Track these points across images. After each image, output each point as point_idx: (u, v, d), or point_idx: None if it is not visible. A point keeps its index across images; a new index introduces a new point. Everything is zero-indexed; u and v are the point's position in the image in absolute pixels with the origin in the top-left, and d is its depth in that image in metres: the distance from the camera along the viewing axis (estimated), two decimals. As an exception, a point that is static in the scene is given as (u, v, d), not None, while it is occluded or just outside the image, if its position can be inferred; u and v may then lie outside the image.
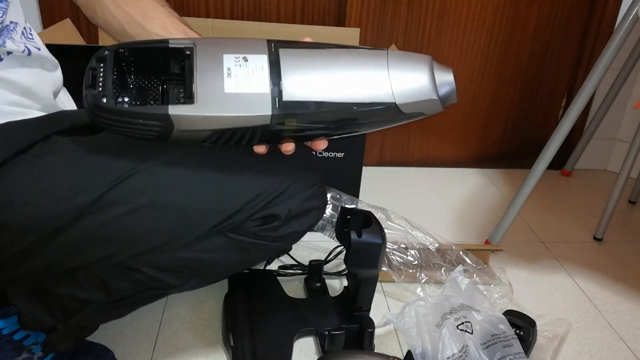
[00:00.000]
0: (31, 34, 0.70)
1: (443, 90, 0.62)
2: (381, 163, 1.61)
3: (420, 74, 0.61)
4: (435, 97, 0.61)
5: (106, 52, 0.57)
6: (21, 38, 0.67)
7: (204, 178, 0.65)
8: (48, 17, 1.32)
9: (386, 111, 0.61)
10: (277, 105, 0.57)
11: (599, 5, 1.47)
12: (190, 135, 0.57)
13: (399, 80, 0.60)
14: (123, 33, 0.70)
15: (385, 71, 0.60)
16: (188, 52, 0.58)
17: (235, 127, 0.57)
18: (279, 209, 0.67)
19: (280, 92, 0.57)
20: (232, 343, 0.83)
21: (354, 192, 1.26)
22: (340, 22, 1.41)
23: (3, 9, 0.63)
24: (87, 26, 1.31)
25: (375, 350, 0.88)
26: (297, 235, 0.72)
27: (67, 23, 1.24)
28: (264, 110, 0.56)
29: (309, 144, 0.65)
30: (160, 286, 0.70)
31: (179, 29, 0.70)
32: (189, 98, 0.56)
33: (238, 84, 0.57)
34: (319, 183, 0.71)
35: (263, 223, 0.67)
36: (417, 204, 1.41)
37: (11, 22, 0.65)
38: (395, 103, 0.60)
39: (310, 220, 0.71)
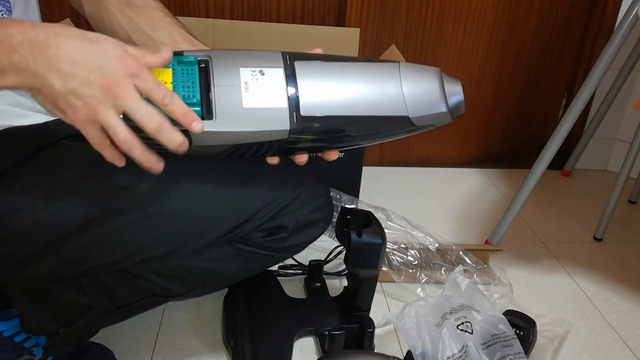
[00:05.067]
0: None
1: (452, 102, 0.65)
2: (381, 163, 1.61)
3: (431, 88, 0.64)
4: (445, 109, 0.64)
5: None
6: None
7: (212, 187, 0.65)
8: (48, 17, 1.32)
9: (399, 124, 0.62)
10: (294, 120, 0.57)
11: (599, 5, 1.47)
12: (207, 151, 0.58)
13: (411, 94, 0.62)
14: (129, 42, 0.70)
15: (398, 86, 0.62)
16: (203, 65, 0.58)
17: (253, 142, 0.58)
18: (286, 220, 0.67)
19: (297, 107, 0.58)
20: (232, 343, 0.83)
21: (354, 192, 1.26)
22: (340, 22, 1.41)
23: (6, 6, 0.62)
24: (87, 27, 1.31)
25: (375, 350, 0.88)
26: (303, 246, 0.72)
27: (67, 23, 1.24)
28: (282, 125, 0.57)
29: (320, 154, 0.66)
30: (164, 293, 0.70)
31: (184, 38, 0.70)
32: (207, 113, 0.55)
33: (256, 98, 0.57)
34: (326, 194, 0.72)
35: (270, 234, 0.67)
36: (417, 204, 1.41)
37: None
38: (408, 117, 0.62)
39: (316, 231, 0.71)
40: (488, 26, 1.46)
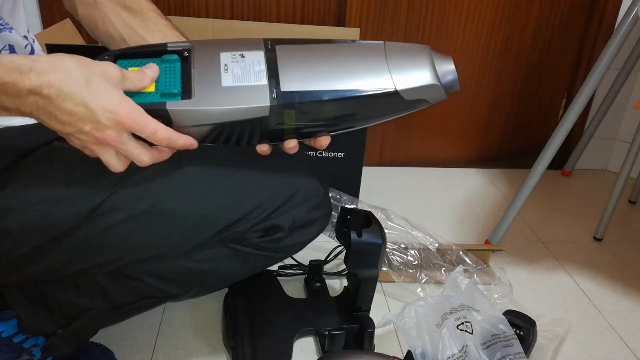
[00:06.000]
0: (33, 50, 0.70)
1: (445, 78, 0.61)
2: (381, 163, 1.61)
3: (419, 61, 0.61)
4: (436, 82, 0.60)
5: (106, 57, 0.58)
6: (23, 39, 0.67)
7: (205, 186, 0.65)
8: (48, 17, 1.32)
9: (387, 99, 0.60)
10: (274, 96, 0.56)
11: (599, 5, 1.47)
12: (189, 132, 0.57)
13: (397, 67, 0.60)
14: (123, 45, 0.70)
15: (383, 59, 0.60)
16: (186, 54, 0.59)
17: (235, 121, 0.57)
18: (282, 219, 0.66)
19: (277, 83, 0.57)
20: (232, 343, 0.83)
21: (354, 192, 1.26)
22: (340, 22, 1.41)
23: None
24: (87, 26, 1.31)
25: (375, 350, 0.88)
26: (301, 246, 0.71)
27: (67, 23, 1.24)
28: (262, 101, 0.56)
29: (312, 142, 0.63)
30: (160, 295, 0.70)
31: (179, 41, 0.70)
32: (186, 94, 0.56)
33: (235, 78, 0.57)
34: (323, 192, 0.70)
35: (266, 234, 0.67)
36: (417, 204, 1.41)
37: (7, 24, 0.65)
38: (396, 90, 0.59)
39: (314, 231, 0.71)
40: (488, 26, 1.46)
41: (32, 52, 0.67)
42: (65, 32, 1.22)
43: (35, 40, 0.72)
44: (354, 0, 1.38)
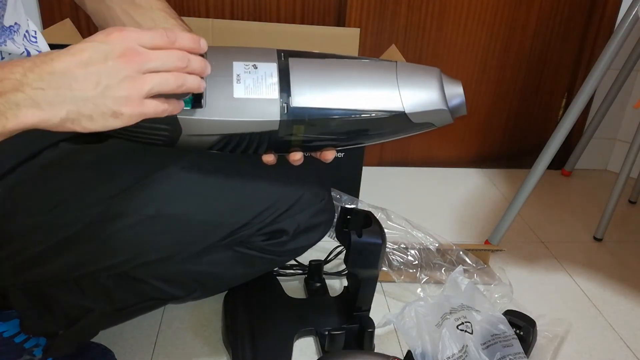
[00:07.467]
0: (35, 37, 0.70)
1: (453, 102, 0.62)
2: (381, 163, 1.61)
3: (429, 85, 0.62)
4: (444, 107, 0.61)
5: None
6: (23, 40, 0.67)
7: (211, 190, 0.65)
8: (48, 17, 1.32)
9: (395, 120, 0.60)
10: (285, 112, 0.57)
11: (599, 5, 1.47)
12: (197, 141, 0.57)
13: (408, 89, 0.60)
14: None
15: (394, 80, 0.60)
16: None
17: (243, 133, 0.57)
18: (287, 224, 0.67)
19: (289, 99, 0.57)
20: (232, 343, 0.83)
21: (354, 192, 1.26)
22: (340, 22, 1.41)
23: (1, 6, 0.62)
24: (87, 26, 1.31)
25: (375, 350, 0.88)
26: (304, 250, 0.72)
27: (67, 23, 1.24)
28: (272, 115, 0.56)
29: (317, 154, 0.64)
30: (163, 297, 0.70)
31: None
32: (197, 102, 0.56)
33: (247, 89, 0.57)
34: (326, 197, 0.71)
35: (270, 238, 0.67)
36: (417, 204, 1.41)
37: (15, 23, 0.65)
38: (404, 112, 0.60)
39: (317, 235, 0.71)
40: (488, 26, 1.46)
41: (28, 55, 0.67)
42: (65, 32, 1.22)
43: (38, 37, 0.71)
44: (354, 0, 1.38)
